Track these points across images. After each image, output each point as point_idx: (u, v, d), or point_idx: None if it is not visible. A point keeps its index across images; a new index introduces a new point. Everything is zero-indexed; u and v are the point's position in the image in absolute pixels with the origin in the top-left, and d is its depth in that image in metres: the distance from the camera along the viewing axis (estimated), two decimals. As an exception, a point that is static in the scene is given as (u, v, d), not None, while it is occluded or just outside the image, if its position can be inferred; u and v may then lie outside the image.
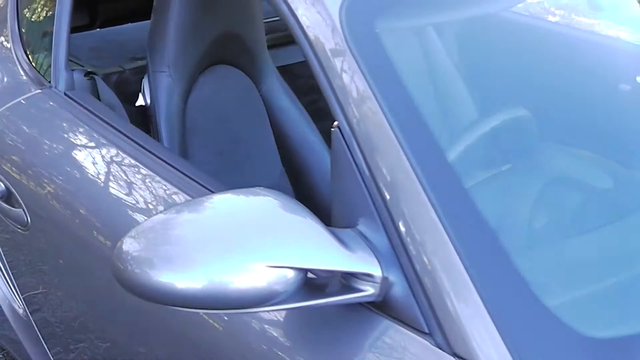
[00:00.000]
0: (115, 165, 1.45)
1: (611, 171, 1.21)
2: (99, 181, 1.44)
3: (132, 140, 1.43)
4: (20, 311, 1.79)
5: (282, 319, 1.02)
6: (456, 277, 0.88)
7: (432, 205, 0.92)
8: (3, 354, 2.27)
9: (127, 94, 1.87)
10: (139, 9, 2.12)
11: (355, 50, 1.03)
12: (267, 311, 0.92)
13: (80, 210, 1.41)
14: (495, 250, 0.92)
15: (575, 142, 1.25)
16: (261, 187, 0.95)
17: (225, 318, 1.07)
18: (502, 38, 1.30)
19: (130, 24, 2.31)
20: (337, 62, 1.03)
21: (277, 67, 1.99)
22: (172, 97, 1.77)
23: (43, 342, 1.77)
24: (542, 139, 1.23)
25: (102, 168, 1.45)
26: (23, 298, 1.76)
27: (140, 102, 1.80)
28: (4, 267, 1.77)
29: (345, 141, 0.99)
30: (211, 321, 1.09)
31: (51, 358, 1.76)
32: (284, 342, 1.01)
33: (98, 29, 2.32)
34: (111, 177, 1.44)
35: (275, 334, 1.03)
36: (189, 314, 1.06)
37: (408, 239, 0.91)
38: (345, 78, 1.02)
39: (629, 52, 1.41)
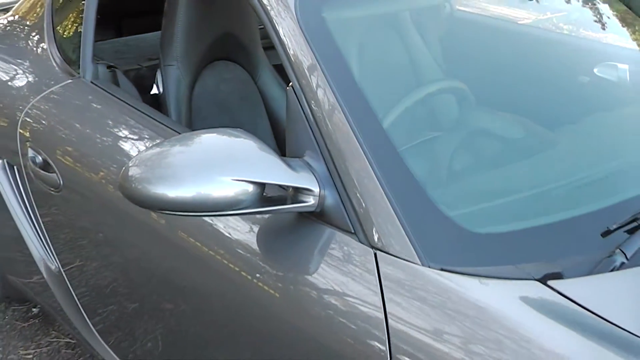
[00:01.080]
0: (134, 135, 1.79)
1: (519, 127, 1.53)
2: (121, 149, 1.78)
3: (148, 116, 1.77)
4: (53, 267, 2.13)
5: (248, 228, 1.35)
6: (374, 192, 1.21)
7: (359, 141, 1.25)
8: (38, 309, 2.63)
9: (143, 86, 2.22)
10: (157, 23, 2.49)
11: (306, 31, 1.37)
12: (234, 215, 1.24)
13: (106, 173, 1.75)
14: (404, 173, 1.24)
15: (492, 107, 1.58)
16: (240, 130, 1.28)
17: (206, 221, 1.39)
18: (434, 25, 1.64)
19: (148, 33, 2.67)
20: (292, 40, 1.37)
21: (274, 65, 2.32)
22: (180, 86, 2.12)
23: (75, 296, 2.10)
24: (466, 105, 1.56)
25: (123, 139, 1.79)
26: (56, 255, 2.10)
27: (154, 91, 2.16)
28: (39, 226, 2.12)
29: (297, 98, 1.33)
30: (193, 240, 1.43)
31: (82, 311, 2.09)
32: (249, 245, 1.34)
33: (122, 37, 2.69)
34: (130, 146, 1.78)
35: (242, 239, 1.36)
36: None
37: (340, 165, 1.24)
38: (298, 53, 1.36)
39: (538, 37, 1.74)
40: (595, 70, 1.68)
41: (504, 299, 1.06)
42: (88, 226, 1.94)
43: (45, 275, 2.17)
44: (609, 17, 1.91)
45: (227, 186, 1.18)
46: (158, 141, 1.45)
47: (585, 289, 1.06)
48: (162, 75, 2.12)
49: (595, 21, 1.90)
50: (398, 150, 1.24)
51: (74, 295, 2.09)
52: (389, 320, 1.10)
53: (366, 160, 1.22)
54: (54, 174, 1.91)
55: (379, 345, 1.10)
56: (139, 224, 1.61)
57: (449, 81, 1.55)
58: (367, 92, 1.30)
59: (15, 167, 2.16)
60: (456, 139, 1.40)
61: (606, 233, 1.16)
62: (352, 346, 1.14)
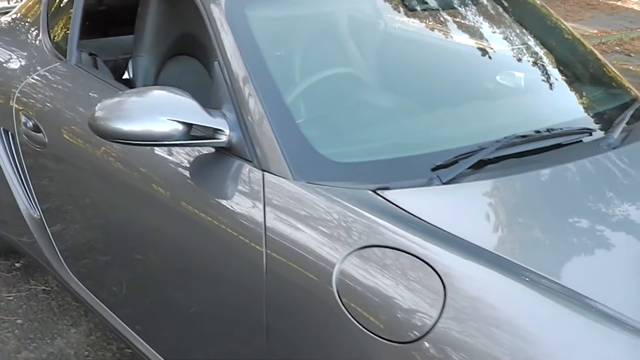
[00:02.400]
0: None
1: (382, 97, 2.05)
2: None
3: (119, 90, 2.27)
4: (36, 216, 2.63)
5: (179, 161, 1.85)
6: (266, 132, 1.71)
7: (259, 99, 1.75)
8: (20, 264, 3.11)
9: (118, 74, 2.74)
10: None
11: (231, 23, 1.89)
12: (169, 145, 1.74)
13: (84, 133, 2.23)
14: (288, 120, 1.75)
15: (368, 83, 2.10)
16: (179, 89, 1.77)
17: (151, 158, 1.90)
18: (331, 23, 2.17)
19: (127, 35, 3.19)
20: (220, 29, 1.88)
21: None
22: (147, 74, 2.62)
23: (52, 241, 2.59)
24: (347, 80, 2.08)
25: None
26: (39, 205, 2.60)
27: (125, 76, 2.67)
28: (26, 181, 2.61)
29: (221, 69, 1.84)
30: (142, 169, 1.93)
31: (58, 253, 2.57)
32: (181, 175, 1.85)
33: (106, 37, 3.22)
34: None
35: (175, 171, 1.86)
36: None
37: (244, 115, 1.75)
38: (224, 39, 1.87)
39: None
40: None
41: (346, 199, 1.56)
42: (67, 178, 2.43)
43: (29, 224, 2.66)
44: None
45: (164, 124, 1.69)
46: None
47: (402, 196, 1.56)
48: (133, 64, 2.62)
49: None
50: (285, 104, 1.76)
51: (52, 240, 2.57)
52: (267, 214, 1.61)
53: (263, 111, 1.73)
54: (41, 134, 2.41)
55: (257, 229, 1.60)
56: (109, 175, 2.10)
57: (339, 68, 2.07)
58: (269, 66, 1.81)
59: (9, 133, 2.66)
60: (327, 99, 1.93)
61: (434, 169, 1.67)
62: (237, 238, 1.63)
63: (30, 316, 2.76)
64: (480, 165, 1.67)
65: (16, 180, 2.66)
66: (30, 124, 2.47)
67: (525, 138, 1.78)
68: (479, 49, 2.34)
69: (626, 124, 2.00)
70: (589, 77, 2.38)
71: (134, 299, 2.19)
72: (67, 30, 2.61)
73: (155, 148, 1.90)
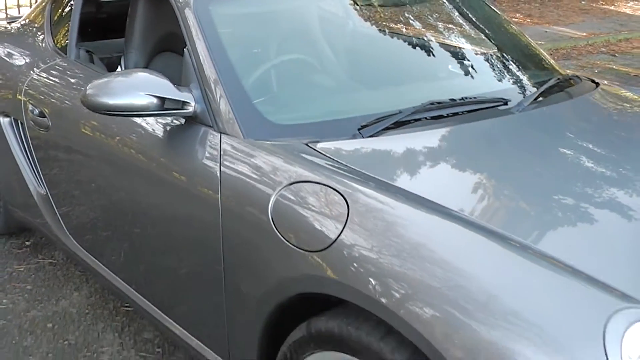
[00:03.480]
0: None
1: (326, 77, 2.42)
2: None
3: None
4: (43, 192, 3.02)
5: (157, 130, 2.23)
6: (224, 104, 2.09)
7: (219, 78, 2.13)
8: (30, 242, 3.51)
9: (112, 69, 3.14)
10: None
11: (198, 17, 2.27)
12: (147, 115, 2.11)
13: (81, 116, 2.61)
14: (242, 93, 2.13)
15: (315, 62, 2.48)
16: (158, 72, 2.16)
17: (133, 131, 2.28)
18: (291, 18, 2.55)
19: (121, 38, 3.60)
20: (189, 23, 2.27)
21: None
22: (137, 68, 3.03)
23: (57, 214, 2.98)
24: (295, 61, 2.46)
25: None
26: (44, 181, 3.00)
27: (118, 69, 3.07)
28: (33, 161, 3.01)
29: (190, 56, 2.22)
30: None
31: (63, 224, 2.96)
32: (159, 142, 2.23)
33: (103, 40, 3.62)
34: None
35: (153, 140, 2.24)
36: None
37: (207, 91, 2.13)
38: (193, 31, 2.25)
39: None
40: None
41: (283, 150, 1.93)
42: (68, 156, 2.82)
43: (36, 200, 3.06)
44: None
45: (143, 98, 2.07)
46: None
47: (327, 146, 1.94)
48: (124, 60, 3.02)
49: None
50: (239, 81, 2.14)
51: (57, 213, 2.97)
52: (222, 165, 1.99)
53: (221, 87, 2.11)
54: (45, 119, 2.81)
55: (215, 178, 1.98)
56: (101, 149, 2.47)
57: (284, 54, 2.45)
58: (227, 52, 2.20)
59: (19, 122, 3.07)
60: (272, 77, 2.31)
61: (360, 128, 2.05)
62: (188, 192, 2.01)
63: (38, 283, 3.15)
64: (399, 124, 2.05)
65: (25, 162, 3.06)
66: (37, 111, 2.87)
67: (440, 104, 2.15)
68: (416, 34, 2.72)
69: (541, 97, 2.36)
70: (518, 60, 2.75)
71: (129, 258, 2.55)
72: (68, 32, 3.01)
73: (138, 121, 2.29)
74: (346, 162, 1.85)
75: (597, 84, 2.71)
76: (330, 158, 1.87)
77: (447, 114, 2.17)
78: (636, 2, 12.84)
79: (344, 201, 1.67)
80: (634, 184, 1.92)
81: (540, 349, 1.32)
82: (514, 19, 10.33)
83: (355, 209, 1.65)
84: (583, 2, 12.26)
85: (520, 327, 1.36)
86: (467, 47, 2.69)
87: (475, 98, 2.27)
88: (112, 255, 2.61)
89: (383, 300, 1.49)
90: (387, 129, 2.03)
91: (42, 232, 3.13)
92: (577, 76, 2.73)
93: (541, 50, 2.92)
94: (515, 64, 2.71)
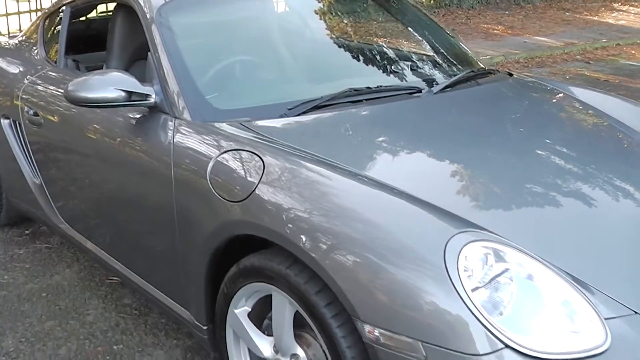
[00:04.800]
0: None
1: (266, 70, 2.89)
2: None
3: None
4: (38, 182, 3.50)
5: (128, 121, 2.69)
6: (177, 95, 2.55)
7: (174, 73, 2.62)
8: (29, 231, 3.98)
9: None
10: None
11: (158, 26, 2.74)
12: (116, 106, 2.57)
13: (68, 114, 3.09)
14: (192, 85, 2.59)
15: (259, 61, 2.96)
16: (128, 73, 2.62)
17: (110, 122, 2.76)
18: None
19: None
20: (152, 32, 2.73)
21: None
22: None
23: (50, 199, 3.46)
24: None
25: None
26: (39, 172, 3.48)
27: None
28: (28, 154, 3.49)
29: (152, 59, 2.68)
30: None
31: (57, 212, 3.43)
32: (128, 130, 2.70)
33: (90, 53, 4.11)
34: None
35: (123, 129, 2.71)
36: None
37: (164, 85, 2.60)
38: (155, 38, 2.72)
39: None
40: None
41: (222, 128, 2.39)
42: (57, 147, 3.30)
43: (32, 189, 3.53)
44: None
45: (113, 92, 2.52)
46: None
47: (257, 124, 2.40)
48: (105, 67, 3.50)
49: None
50: (190, 76, 2.61)
51: (50, 199, 3.44)
52: (174, 142, 2.45)
53: (175, 81, 2.58)
54: (39, 117, 3.30)
55: (168, 153, 2.44)
56: (84, 139, 2.92)
57: (229, 55, 2.92)
58: (182, 54, 2.66)
59: (17, 122, 3.55)
60: (218, 72, 2.78)
61: (290, 109, 2.51)
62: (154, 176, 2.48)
63: (35, 263, 3.62)
64: (321, 107, 2.52)
65: (22, 157, 3.54)
66: (31, 112, 3.36)
67: (357, 91, 2.62)
68: (344, 34, 3.20)
69: (453, 86, 2.82)
70: (439, 56, 3.21)
71: (111, 233, 3.00)
72: (57, 45, 3.50)
73: (112, 114, 2.75)
74: (269, 134, 2.32)
75: (511, 75, 3.17)
76: (257, 132, 2.34)
77: (365, 100, 2.62)
78: (620, 12, 13.31)
79: (262, 162, 2.14)
80: (495, 141, 2.46)
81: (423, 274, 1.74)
82: (495, 31, 10.82)
83: (268, 168, 2.11)
84: (567, 14, 12.73)
85: (422, 267, 1.74)
86: (392, 45, 3.16)
87: (389, 86, 2.73)
88: (98, 232, 3.08)
89: (295, 240, 1.93)
90: (309, 110, 2.49)
91: (39, 218, 3.60)
92: (496, 70, 3.19)
93: (466, 49, 3.38)
94: (435, 59, 3.18)
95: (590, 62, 9.20)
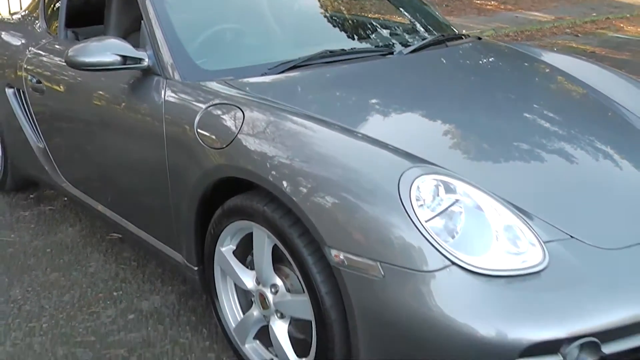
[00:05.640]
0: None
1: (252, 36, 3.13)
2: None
3: None
4: (41, 146, 3.75)
5: (125, 83, 2.93)
6: (167, 56, 2.78)
7: (165, 39, 2.84)
8: (33, 195, 4.22)
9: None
10: None
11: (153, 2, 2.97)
12: (114, 69, 2.80)
13: (69, 81, 3.32)
14: (181, 49, 2.83)
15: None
16: (124, 40, 2.85)
17: (105, 86, 2.99)
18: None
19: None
20: (146, 6, 2.96)
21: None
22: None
23: (53, 162, 3.70)
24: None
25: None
26: (42, 137, 3.72)
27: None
28: (32, 120, 3.73)
29: (145, 26, 2.91)
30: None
31: (60, 174, 3.67)
32: (125, 92, 2.93)
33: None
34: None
35: (124, 87, 2.95)
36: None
37: (156, 50, 2.83)
38: (149, 11, 2.94)
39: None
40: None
41: (208, 86, 2.63)
42: (59, 113, 3.54)
43: (36, 153, 3.77)
44: None
45: (110, 57, 2.74)
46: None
47: (238, 81, 2.64)
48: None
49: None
50: (180, 41, 2.84)
51: (53, 161, 3.68)
52: (165, 101, 2.69)
53: (167, 47, 2.80)
54: (41, 84, 3.53)
55: (161, 110, 2.68)
56: (85, 103, 3.15)
57: (216, 23, 3.14)
58: (172, 22, 2.88)
59: (21, 90, 3.79)
60: (205, 37, 3.00)
61: (270, 69, 2.75)
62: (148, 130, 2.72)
63: (40, 223, 3.87)
64: (299, 67, 2.75)
65: (27, 124, 3.78)
66: (34, 80, 3.59)
67: (332, 52, 2.85)
68: (325, 3, 3.43)
69: (423, 48, 3.06)
70: (414, 22, 3.45)
71: (111, 189, 3.23)
72: (57, 20, 3.74)
73: (109, 78, 2.98)
74: (250, 90, 2.56)
75: (480, 39, 3.41)
76: (239, 88, 2.58)
77: (340, 60, 2.86)
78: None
79: (242, 113, 2.38)
80: (455, 93, 2.72)
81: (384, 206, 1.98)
82: (488, 7, 11.01)
83: (247, 118, 2.35)
84: (560, -10, 12.89)
85: (380, 198, 1.97)
86: (369, 13, 3.39)
87: (364, 49, 2.97)
88: (100, 190, 3.32)
89: (266, 175, 2.17)
90: (288, 70, 2.72)
91: (43, 181, 3.84)
92: (466, 35, 3.42)
93: (439, 16, 3.61)
94: (408, 26, 3.41)
95: (579, 35, 9.40)
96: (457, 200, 2.01)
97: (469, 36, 3.42)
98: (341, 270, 2.01)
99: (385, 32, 3.29)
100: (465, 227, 1.98)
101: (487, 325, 1.87)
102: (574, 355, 1.93)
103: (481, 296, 1.89)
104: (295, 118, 2.31)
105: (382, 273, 1.93)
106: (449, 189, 2.02)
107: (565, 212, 2.14)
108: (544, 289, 1.92)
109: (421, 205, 1.97)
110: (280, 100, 2.48)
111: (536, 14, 10.51)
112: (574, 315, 1.90)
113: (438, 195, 2.01)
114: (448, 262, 1.89)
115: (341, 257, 2.00)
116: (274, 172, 2.15)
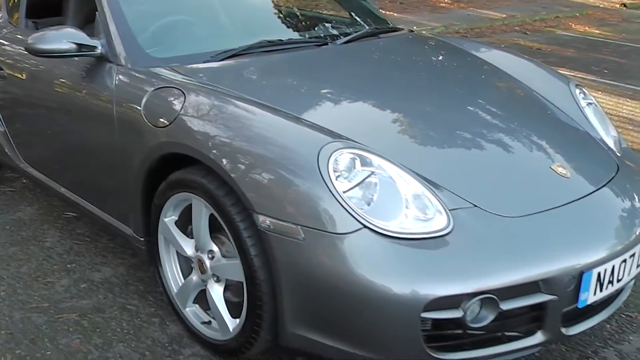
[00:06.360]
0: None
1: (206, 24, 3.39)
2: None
3: None
4: (2, 130, 3.95)
5: (81, 70, 3.16)
6: (119, 45, 3.01)
7: (116, 29, 3.06)
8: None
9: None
10: None
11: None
12: (69, 56, 3.02)
13: (28, 68, 3.54)
14: (130, 37, 3.06)
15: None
16: (78, 30, 3.08)
17: (65, 72, 3.22)
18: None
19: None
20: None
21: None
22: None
23: (13, 145, 3.90)
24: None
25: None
26: (4, 122, 3.92)
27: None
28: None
29: (100, 17, 3.15)
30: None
31: (20, 157, 3.87)
32: (81, 80, 3.16)
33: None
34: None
35: (79, 72, 3.18)
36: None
37: (108, 37, 3.06)
38: (103, 3, 3.18)
39: None
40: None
41: (155, 72, 2.88)
42: (19, 98, 3.74)
43: (-1, 137, 3.98)
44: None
45: (66, 44, 2.95)
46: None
47: (184, 67, 2.89)
48: (61, 27, 3.93)
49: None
50: (131, 30, 3.07)
51: (13, 144, 3.89)
52: (115, 85, 2.93)
53: (118, 35, 3.04)
54: (3, 71, 3.73)
55: (111, 94, 2.92)
56: (41, 88, 3.37)
57: (167, 14, 3.38)
58: (124, 13, 3.11)
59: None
60: (155, 27, 3.24)
61: (212, 57, 3.00)
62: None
63: (0, 203, 4.07)
64: (238, 55, 3.01)
65: (-12, 109, 3.98)
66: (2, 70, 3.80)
67: (270, 42, 3.12)
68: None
69: (356, 39, 3.34)
70: (351, 16, 3.73)
71: (66, 168, 3.46)
72: (18, 10, 3.95)
73: (65, 65, 3.20)
74: (192, 75, 2.81)
75: (412, 32, 3.70)
76: (182, 74, 2.83)
77: (278, 49, 3.12)
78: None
79: (184, 95, 2.63)
80: (381, 78, 3.02)
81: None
82: (442, 4, 11.35)
83: (189, 99, 2.60)
84: (514, -11, 13.28)
85: (302, 169, 2.24)
86: (309, 8, 3.66)
87: (301, 39, 3.23)
88: (57, 170, 3.54)
89: (202, 150, 2.43)
90: (228, 57, 2.98)
91: (4, 162, 4.05)
92: (400, 28, 3.71)
93: (375, 10, 3.90)
94: (346, 19, 3.69)
95: (528, 32, 9.77)
96: (372, 173, 2.27)
97: (402, 29, 3.71)
98: (268, 234, 2.27)
99: (323, 25, 3.55)
100: (379, 196, 2.24)
101: (394, 281, 2.13)
102: (475, 310, 2.20)
103: (389, 256, 2.16)
104: (230, 99, 2.57)
105: (303, 236, 2.19)
106: (365, 162, 2.29)
107: (471, 184, 2.42)
108: (447, 251, 2.19)
109: (338, 175, 2.23)
110: (218, 84, 2.73)
111: (488, 12, 10.87)
112: (473, 274, 2.17)
113: (355, 167, 2.27)
114: (360, 226, 2.15)
115: (267, 222, 2.26)
116: (209, 147, 2.41)
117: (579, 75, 7.20)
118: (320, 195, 2.19)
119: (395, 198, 2.25)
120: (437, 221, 2.22)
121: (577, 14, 11.11)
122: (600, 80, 7.18)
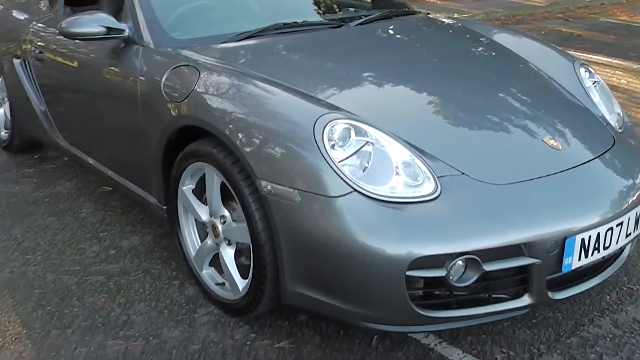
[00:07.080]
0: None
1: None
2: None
3: None
4: (43, 109, 4.23)
5: (110, 51, 3.40)
6: (143, 26, 3.24)
7: (142, 14, 3.31)
8: (38, 156, 4.72)
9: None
10: None
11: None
12: (100, 39, 3.26)
13: (67, 51, 3.80)
14: (154, 20, 3.29)
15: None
16: (104, 14, 3.33)
17: (97, 57, 3.48)
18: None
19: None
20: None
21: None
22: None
23: (53, 123, 4.19)
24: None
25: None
26: (44, 100, 4.20)
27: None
28: (36, 87, 4.22)
29: (128, 4, 3.39)
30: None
31: (59, 134, 4.16)
32: (109, 59, 3.40)
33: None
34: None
35: (110, 54, 3.42)
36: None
37: (134, 21, 3.30)
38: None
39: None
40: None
41: (177, 52, 3.10)
42: (57, 78, 4.02)
43: (39, 116, 4.26)
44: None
45: (97, 28, 3.19)
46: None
47: (201, 48, 3.10)
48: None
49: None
50: (155, 16, 3.30)
51: (53, 123, 4.17)
52: (140, 64, 3.16)
53: (144, 20, 3.27)
54: (43, 54, 4.02)
55: (137, 73, 3.16)
56: (80, 72, 3.62)
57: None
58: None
59: (26, 61, 4.28)
60: (179, 12, 3.45)
61: (229, 38, 3.21)
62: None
63: (41, 178, 4.36)
64: (254, 36, 3.21)
65: (31, 90, 4.26)
66: (37, 51, 4.07)
67: (286, 24, 3.31)
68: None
69: (373, 21, 3.51)
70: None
71: (103, 146, 3.71)
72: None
73: (98, 47, 3.44)
74: (210, 54, 3.02)
75: (429, 14, 3.85)
76: (199, 53, 3.04)
77: (293, 31, 3.31)
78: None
79: (197, 72, 2.84)
80: (390, 57, 3.18)
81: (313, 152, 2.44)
82: (485, -8, 11.35)
83: (202, 76, 2.80)
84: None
85: (300, 138, 2.40)
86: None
87: (316, 22, 3.41)
88: (90, 146, 3.80)
89: (213, 122, 2.63)
90: (245, 39, 3.19)
91: (44, 140, 4.33)
92: (417, 11, 3.86)
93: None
94: (363, 2, 3.86)
95: (570, 19, 9.73)
96: (366, 142, 2.43)
97: (419, 12, 3.85)
98: (269, 198, 2.46)
99: (339, 8, 3.73)
100: (372, 164, 2.40)
101: (382, 241, 2.29)
102: (459, 271, 2.35)
103: (378, 218, 2.32)
104: (244, 77, 2.77)
105: (299, 199, 2.37)
106: (359, 132, 2.45)
107: (460, 154, 2.56)
108: (433, 214, 2.34)
109: (333, 144, 2.40)
110: (233, 62, 2.93)
111: (532, -1, 10.84)
112: (457, 235, 2.31)
113: (350, 137, 2.44)
114: (351, 189, 2.32)
115: (269, 187, 2.45)
116: (218, 118, 2.62)
117: (615, 61, 7.21)
118: (316, 162, 2.36)
119: (386, 165, 2.40)
120: (426, 187, 2.37)
121: (624, 1, 10.99)
122: (636, 66, 7.17)
